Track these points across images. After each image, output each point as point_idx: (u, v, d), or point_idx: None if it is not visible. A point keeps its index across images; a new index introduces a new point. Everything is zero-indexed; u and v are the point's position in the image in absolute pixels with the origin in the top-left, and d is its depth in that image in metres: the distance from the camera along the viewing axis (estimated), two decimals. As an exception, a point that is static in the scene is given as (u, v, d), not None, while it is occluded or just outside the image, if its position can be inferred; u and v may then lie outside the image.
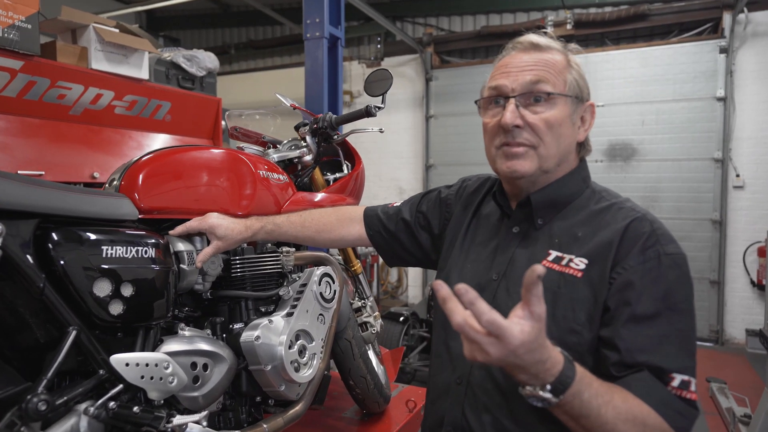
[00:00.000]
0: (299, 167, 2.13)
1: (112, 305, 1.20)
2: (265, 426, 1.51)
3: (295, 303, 1.65)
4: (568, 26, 5.97)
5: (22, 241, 1.07)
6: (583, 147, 1.06)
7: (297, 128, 2.15)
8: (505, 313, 0.80)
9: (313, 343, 1.65)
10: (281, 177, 1.83)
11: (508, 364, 0.71)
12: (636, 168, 5.48)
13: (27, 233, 1.09)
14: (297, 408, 1.64)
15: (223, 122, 3.99)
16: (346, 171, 2.26)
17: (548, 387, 0.73)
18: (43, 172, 2.87)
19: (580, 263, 0.90)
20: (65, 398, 1.07)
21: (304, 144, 2.11)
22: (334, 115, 2.05)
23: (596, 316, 0.87)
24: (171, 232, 1.43)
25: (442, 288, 0.70)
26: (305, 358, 1.62)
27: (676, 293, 0.85)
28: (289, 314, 1.61)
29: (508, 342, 0.68)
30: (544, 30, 1.04)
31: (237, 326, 1.57)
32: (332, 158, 2.31)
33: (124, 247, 1.25)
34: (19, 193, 1.08)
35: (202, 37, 8.82)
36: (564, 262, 0.92)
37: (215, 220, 1.45)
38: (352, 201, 2.19)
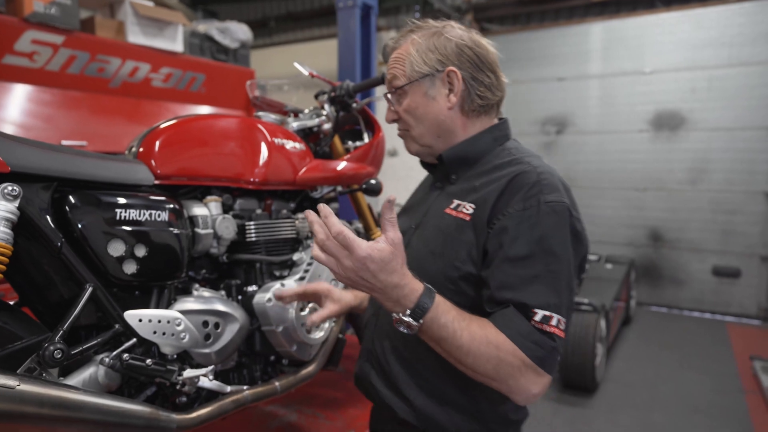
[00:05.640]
0: (321, 136, 2.15)
1: (126, 265, 1.27)
2: (277, 384, 1.58)
3: (308, 268, 1.69)
4: (617, -12, 5.63)
5: (41, 203, 1.15)
6: (469, 106, 1.07)
7: (316, 97, 2.17)
8: (418, 256, 1.00)
9: (325, 308, 1.70)
10: (298, 145, 1.85)
11: (365, 282, 0.84)
12: (684, 138, 5.18)
13: (45, 196, 1.16)
14: (309, 369, 1.70)
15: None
16: (366, 139, 2.26)
17: (408, 312, 0.85)
18: (86, 143, 3.02)
19: (469, 208, 0.99)
20: (80, 348, 1.16)
21: (324, 112, 2.12)
22: (352, 83, 2.04)
23: (476, 255, 0.96)
24: (284, 292, 1.34)
25: (311, 213, 0.85)
26: (317, 321, 1.67)
27: (552, 237, 0.90)
28: (302, 278, 1.66)
29: (356, 253, 0.81)
30: (413, 20, 1.13)
31: (251, 289, 1.63)
32: (353, 127, 2.32)
33: (138, 211, 1.32)
34: (36, 157, 1.15)
35: (243, 10, 8.87)
36: (460, 208, 1.01)
37: (329, 284, 1.38)
38: (371, 169, 2.20)
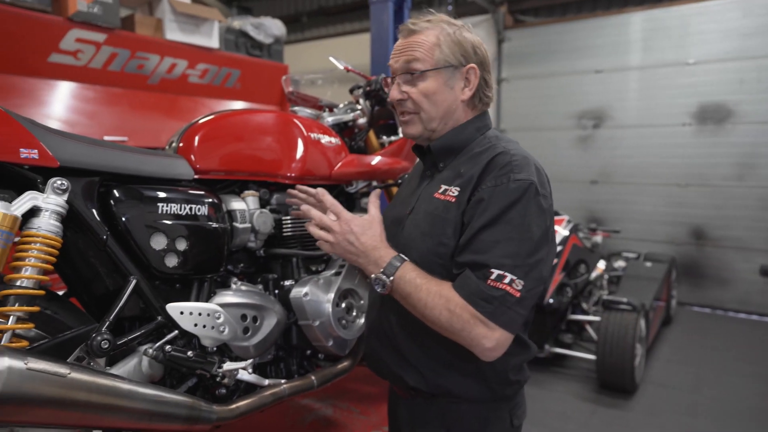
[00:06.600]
0: (355, 130, 2.14)
1: (168, 258, 1.30)
2: (313, 378, 1.59)
3: (344, 263, 1.69)
4: (659, -24, 5.41)
5: (87, 197, 1.18)
6: (478, 101, 1.19)
7: (351, 91, 2.16)
8: (411, 238, 1.12)
9: (361, 302, 1.69)
10: (333, 140, 1.85)
11: (351, 246, 1.07)
12: (730, 132, 4.95)
13: (91, 190, 1.19)
14: (345, 363, 1.70)
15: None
16: (401, 134, 2.24)
17: (382, 270, 1.05)
18: (127, 138, 3.10)
19: (455, 191, 1.09)
20: (125, 339, 1.18)
21: (359, 107, 2.11)
22: (388, 77, 2.02)
23: (459, 231, 1.07)
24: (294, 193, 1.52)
25: (305, 206, 1.15)
26: (353, 316, 1.67)
27: (514, 209, 1.01)
28: (337, 273, 1.66)
29: (343, 216, 1.09)
30: (431, 10, 1.19)
31: (288, 283, 1.64)
32: (387, 122, 2.30)
33: (179, 205, 1.33)
34: (82, 152, 1.17)
35: (275, 5, 8.95)
36: (447, 192, 1.11)
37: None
38: (406, 164, 2.18)
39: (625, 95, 5.46)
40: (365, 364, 1.90)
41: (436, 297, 1.00)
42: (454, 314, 0.98)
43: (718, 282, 5.09)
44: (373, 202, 1.15)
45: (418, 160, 1.41)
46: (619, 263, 4.27)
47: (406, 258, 1.06)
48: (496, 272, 0.98)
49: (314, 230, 1.11)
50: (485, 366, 1.07)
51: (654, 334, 3.84)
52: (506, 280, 0.97)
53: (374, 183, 2.14)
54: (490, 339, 0.98)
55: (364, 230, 1.08)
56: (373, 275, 1.06)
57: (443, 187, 1.12)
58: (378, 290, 1.06)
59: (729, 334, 4.35)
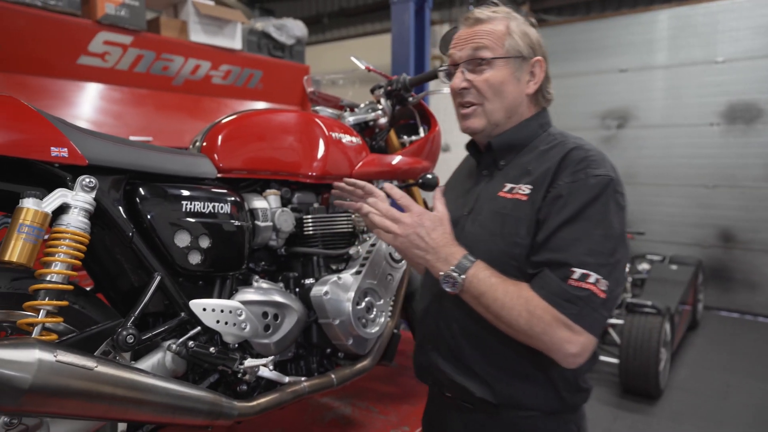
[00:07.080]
0: (376, 130, 2.14)
1: (191, 255, 1.32)
2: (333, 376, 1.59)
3: (364, 262, 1.69)
4: (686, -28, 5.30)
5: (114, 195, 1.20)
6: (542, 97, 1.16)
7: (372, 91, 2.16)
8: (477, 240, 1.07)
9: (381, 302, 1.69)
10: (354, 139, 1.86)
11: (420, 240, 1.03)
12: (761, 132, 4.81)
13: (118, 188, 1.22)
14: (365, 362, 1.70)
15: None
16: (422, 134, 2.24)
17: (452, 267, 1.00)
18: (152, 138, 3.16)
19: (526, 189, 1.04)
20: (150, 334, 1.21)
21: (380, 106, 2.11)
22: (408, 77, 2.02)
23: (534, 230, 1.01)
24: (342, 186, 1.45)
25: (370, 201, 1.13)
26: (373, 315, 1.67)
27: (594, 206, 0.96)
28: (358, 272, 1.66)
29: (414, 210, 1.06)
30: (495, 2, 1.16)
31: (308, 281, 1.65)
32: (408, 121, 2.30)
33: (203, 203, 1.35)
34: (110, 151, 1.20)
35: (297, 7, 9.03)
36: (514, 191, 1.07)
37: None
38: (427, 164, 2.17)
39: (650, 95, 5.37)
40: (385, 364, 1.90)
41: (513, 297, 0.94)
42: (534, 316, 0.92)
43: (747, 286, 4.96)
44: (439, 199, 1.11)
45: (464, 160, 1.37)
46: (644, 266, 4.20)
47: (475, 258, 1.01)
48: (579, 271, 0.92)
49: (379, 219, 1.08)
50: (556, 374, 1.03)
51: (679, 339, 3.76)
52: (591, 279, 0.92)
53: (395, 183, 2.14)
54: (575, 343, 0.92)
55: (435, 226, 1.04)
56: (441, 273, 1.01)
57: (508, 185, 1.07)
58: (447, 289, 1.00)
59: (758, 339, 4.24)
